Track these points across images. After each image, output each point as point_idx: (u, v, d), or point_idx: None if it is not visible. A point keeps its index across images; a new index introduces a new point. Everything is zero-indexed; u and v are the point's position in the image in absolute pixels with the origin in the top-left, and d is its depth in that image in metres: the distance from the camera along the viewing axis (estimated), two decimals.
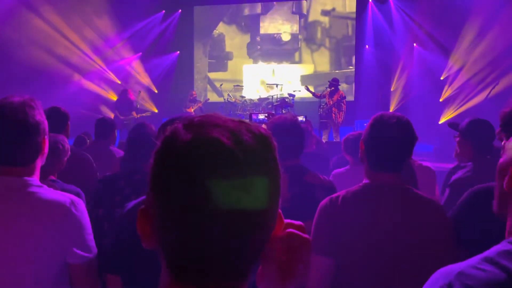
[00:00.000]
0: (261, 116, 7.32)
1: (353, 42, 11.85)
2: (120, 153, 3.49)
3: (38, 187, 1.39)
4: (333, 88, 8.78)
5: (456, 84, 9.86)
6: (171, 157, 0.55)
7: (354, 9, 11.82)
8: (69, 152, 2.34)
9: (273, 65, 12.33)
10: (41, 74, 8.87)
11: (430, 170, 2.98)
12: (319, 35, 12.18)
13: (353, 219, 1.54)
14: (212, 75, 12.74)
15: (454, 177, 2.44)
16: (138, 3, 10.92)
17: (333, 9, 12.03)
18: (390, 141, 1.54)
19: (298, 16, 12.25)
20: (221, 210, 0.52)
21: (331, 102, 8.74)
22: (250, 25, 12.53)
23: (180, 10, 12.22)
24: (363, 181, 1.61)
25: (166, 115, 10.29)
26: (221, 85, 11.69)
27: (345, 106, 8.80)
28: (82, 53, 10.31)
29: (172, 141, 0.56)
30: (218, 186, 0.51)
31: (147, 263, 1.31)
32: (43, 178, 1.47)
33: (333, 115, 8.71)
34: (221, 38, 12.75)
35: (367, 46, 11.27)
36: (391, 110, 9.86)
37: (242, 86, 11.77)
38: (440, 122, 9.89)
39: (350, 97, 11.14)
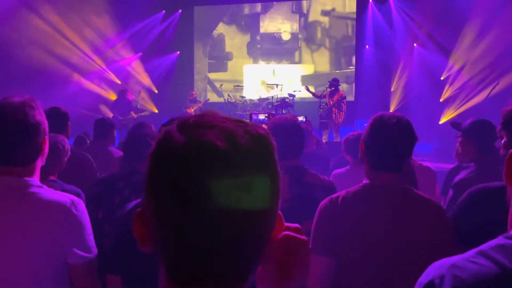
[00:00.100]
0: (261, 116, 7.32)
1: (353, 42, 11.85)
2: (119, 153, 3.49)
3: (38, 187, 1.39)
4: (333, 88, 8.78)
5: (456, 84, 9.86)
6: (165, 160, 0.54)
7: (354, 9, 11.82)
8: (69, 152, 2.34)
9: (274, 65, 12.33)
10: (41, 74, 8.87)
11: (430, 170, 2.98)
12: (319, 35, 12.18)
13: (353, 219, 1.54)
14: (212, 75, 12.74)
15: (457, 177, 2.43)
16: (138, 3, 10.93)
17: (333, 9, 12.04)
18: (390, 141, 1.54)
19: (298, 15, 12.25)
20: (218, 211, 0.51)
21: (331, 102, 8.74)
22: (250, 24, 12.53)
23: (180, 10, 12.23)
24: (363, 181, 1.61)
25: (166, 115, 10.30)
26: (221, 85, 11.70)
27: (345, 106, 8.80)
28: (82, 53, 10.31)
29: (166, 143, 0.55)
30: (214, 188, 0.51)
31: (147, 263, 1.31)
32: (43, 178, 1.47)
33: (333, 115, 8.71)
34: (221, 38, 12.75)
35: (367, 46, 11.28)
36: (391, 110, 9.86)
37: (242, 86, 11.78)
38: (440, 122, 9.89)
39: (350, 97, 11.14)
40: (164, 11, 11.97)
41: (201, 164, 0.52)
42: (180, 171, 0.52)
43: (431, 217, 1.52)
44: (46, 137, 1.43)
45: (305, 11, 12.20)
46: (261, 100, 10.91)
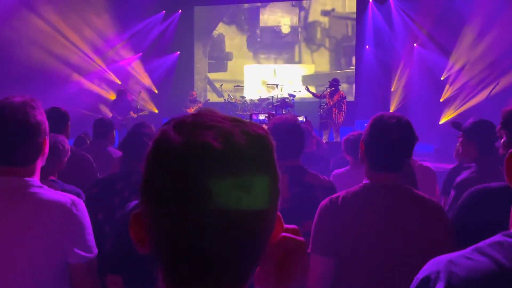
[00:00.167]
0: (261, 117, 7.33)
1: (353, 42, 11.85)
2: (118, 153, 3.49)
3: (38, 187, 1.39)
4: (333, 88, 8.78)
5: (457, 84, 9.86)
6: (161, 160, 0.54)
7: (353, 10, 11.83)
8: (69, 153, 2.34)
9: (275, 65, 12.33)
10: (41, 74, 8.87)
11: (431, 170, 2.98)
12: (319, 35, 12.18)
13: (353, 219, 1.54)
14: (212, 76, 12.75)
15: (459, 177, 2.43)
16: (138, 3, 10.93)
17: (333, 10, 12.04)
18: (390, 141, 1.54)
19: (297, 9, 12.24)
20: (215, 212, 0.51)
21: (332, 103, 8.74)
22: (250, 18, 12.51)
23: (180, 11, 12.23)
24: (363, 182, 1.61)
25: (166, 115, 10.31)
26: (221, 85, 11.71)
27: (345, 106, 8.80)
28: (82, 53, 10.32)
29: (162, 144, 0.54)
30: (211, 189, 0.50)
31: (148, 263, 1.31)
32: (43, 179, 1.47)
33: (334, 115, 8.71)
34: (221, 38, 12.75)
35: (367, 46, 11.28)
36: (391, 111, 9.86)
37: (242, 86, 11.78)
38: (440, 122, 9.90)
39: (350, 97, 11.15)
40: (164, 11, 11.98)
41: (197, 165, 0.51)
42: (176, 172, 0.52)
43: (431, 217, 1.52)
44: (46, 137, 1.43)
45: (304, 4, 12.20)
46: (261, 100, 10.92)
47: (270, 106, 9.46)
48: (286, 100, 8.98)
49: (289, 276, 0.59)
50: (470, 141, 2.48)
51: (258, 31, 12.45)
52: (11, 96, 1.39)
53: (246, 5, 12.56)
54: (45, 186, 1.41)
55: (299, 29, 12.21)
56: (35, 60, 8.91)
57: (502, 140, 1.66)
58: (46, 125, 1.42)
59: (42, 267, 1.35)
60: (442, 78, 10.27)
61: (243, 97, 11.01)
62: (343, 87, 10.39)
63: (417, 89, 10.30)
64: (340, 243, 1.54)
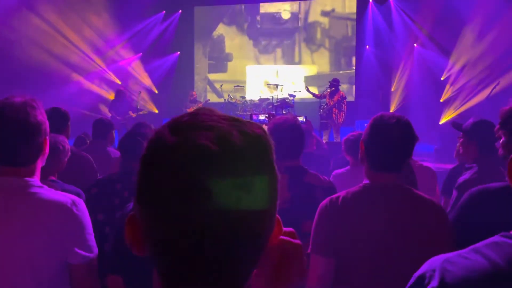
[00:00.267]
0: (262, 117, 7.33)
1: (353, 43, 11.86)
2: (117, 153, 3.49)
3: (39, 187, 1.39)
4: (333, 88, 8.78)
5: (457, 84, 9.86)
6: (155, 162, 0.53)
7: (353, 10, 11.83)
8: (69, 153, 2.34)
9: (276, 66, 12.32)
10: (41, 74, 8.87)
11: (431, 170, 2.99)
12: (319, 35, 12.18)
13: (353, 219, 1.54)
14: (212, 76, 12.75)
15: (461, 178, 2.42)
16: (139, 4, 10.93)
17: (333, 10, 12.04)
18: (390, 142, 1.54)
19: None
20: (212, 213, 0.50)
21: (332, 103, 8.74)
22: (250, 5, 12.46)
23: (180, 11, 12.23)
24: (363, 182, 1.61)
25: (166, 115, 10.31)
26: (221, 85, 11.71)
27: (345, 107, 8.80)
28: (83, 53, 10.32)
29: (156, 144, 0.54)
30: (207, 190, 0.49)
31: (149, 263, 1.31)
32: (43, 179, 1.47)
33: (334, 115, 8.71)
34: (221, 39, 12.75)
35: (367, 46, 11.28)
36: (391, 111, 9.86)
37: (243, 86, 11.79)
38: (440, 123, 9.89)
39: (351, 98, 11.15)
40: (164, 11, 11.98)
41: (192, 166, 0.50)
42: (170, 173, 0.51)
43: (431, 217, 1.52)
44: (47, 137, 1.43)
45: (305, 6, 12.18)
46: (261, 100, 10.93)
47: (270, 106, 9.46)
48: (286, 100, 8.99)
49: (286, 279, 0.59)
50: (471, 141, 2.48)
51: (258, 18, 12.39)
52: (11, 96, 1.39)
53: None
54: (45, 186, 1.41)
55: (299, 16, 12.13)
56: (35, 60, 8.91)
57: (501, 141, 1.66)
58: (46, 125, 1.42)
59: (42, 267, 1.35)
60: (442, 78, 10.27)
61: (243, 97, 11.02)
62: (343, 87, 10.39)
63: (417, 89, 10.30)
64: (340, 243, 1.54)
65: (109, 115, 8.81)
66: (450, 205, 2.36)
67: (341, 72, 11.68)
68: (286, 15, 12.18)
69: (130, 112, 9.13)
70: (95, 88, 10.83)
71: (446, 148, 7.27)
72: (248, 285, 0.57)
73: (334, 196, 1.62)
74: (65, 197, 1.40)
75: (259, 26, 12.40)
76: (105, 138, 3.71)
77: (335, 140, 8.15)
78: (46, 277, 1.36)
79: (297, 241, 0.60)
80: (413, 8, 10.49)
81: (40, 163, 1.44)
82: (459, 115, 9.24)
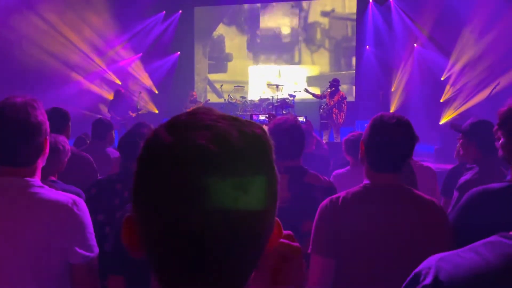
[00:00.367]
0: (262, 117, 7.33)
1: (353, 43, 11.86)
2: (116, 154, 3.49)
3: (39, 187, 1.39)
4: (333, 88, 8.78)
5: (457, 84, 9.86)
6: (151, 162, 0.52)
7: (353, 10, 11.84)
8: (70, 153, 2.34)
9: (278, 66, 12.34)
10: (41, 75, 8.88)
11: (431, 170, 2.99)
12: (318, 36, 12.19)
13: (353, 220, 1.54)
14: (212, 76, 12.76)
15: (462, 179, 2.42)
16: (139, 4, 10.94)
17: (333, 10, 12.04)
18: (390, 142, 1.54)
19: (297, 10, 12.25)
20: (209, 213, 0.49)
21: (332, 103, 8.74)
22: (250, 20, 12.52)
23: (180, 11, 12.24)
24: (364, 182, 1.61)
25: (166, 115, 10.30)
26: (221, 86, 11.72)
27: (345, 107, 8.80)
28: (83, 54, 10.33)
29: (153, 144, 0.53)
30: (205, 191, 0.49)
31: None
32: (43, 179, 1.47)
33: (334, 115, 8.71)
34: (221, 39, 12.77)
35: (367, 46, 11.28)
36: (391, 111, 9.85)
37: (243, 87, 11.79)
38: (440, 123, 9.89)
39: (351, 98, 11.15)
40: (164, 11, 11.98)
41: (189, 167, 0.49)
42: (167, 174, 0.50)
43: (431, 218, 1.52)
44: (47, 137, 1.43)
45: (305, 6, 12.21)
46: (261, 100, 10.94)
47: (271, 107, 9.46)
48: (287, 101, 8.99)
49: (284, 282, 0.58)
50: (470, 142, 2.48)
51: (258, 33, 12.46)
52: (12, 97, 1.39)
53: (246, 6, 12.57)
54: (46, 186, 1.42)
55: (299, 31, 12.21)
56: (35, 60, 8.92)
57: (500, 142, 1.66)
58: (47, 125, 1.42)
59: (43, 267, 1.35)
60: (442, 79, 10.27)
61: (244, 98, 11.03)
62: (343, 87, 10.40)
63: (417, 89, 10.30)
64: (340, 244, 1.54)
65: (109, 115, 8.82)
66: (451, 206, 2.36)
67: (341, 72, 11.69)
68: (286, 31, 12.21)
69: (130, 112, 9.13)
70: (95, 88, 10.84)
71: (446, 149, 7.27)
72: (247, 287, 0.57)
73: (334, 196, 1.62)
74: (66, 197, 1.40)
75: (258, 41, 12.44)
76: (105, 139, 3.70)
77: (335, 140, 8.15)
78: (46, 277, 1.36)
79: (296, 244, 0.60)
80: (413, 8, 10.49)
81: (41, 163, 1.44)
82: (459, 115, 9.24)
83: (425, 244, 1.48)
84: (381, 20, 11.07)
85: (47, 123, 1.43)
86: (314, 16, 12.17)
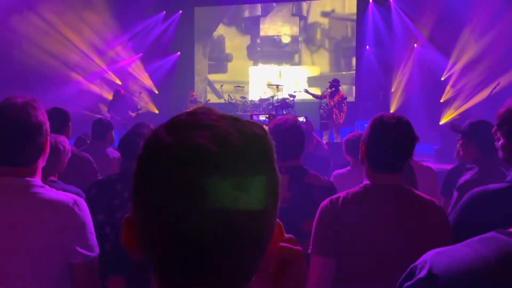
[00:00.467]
0: (262, 117, 7.33)
1: (353, 43, 11.87)
2: (116, 154, 3.50)
3: (40, 187, 1.39)
4: (333, 89, 8.78)
5: (457, 84, 9.86)
6: (151, 162, 0.52)
7: (353, 11, 11.84)
8: (70, 153, 2.34)
9: (279, 66, 12.35)
10: (42, 75, 8.88)
11: (431, 170, 2.99)
12: (318, 36, 12.19)
13: (354, 220, 1.54)
14: (212, 77, 12.76)
15: (462, 179, 2.42)
16: (139, 4, 10.94)
17: (333, 11, 12.05)
18: (390, 142, 1.54)
19: (298, 18, 12.27)
20: (209, 214, 0.49)
21: (332, 103, 8.74)
22: (250, 27, 12.56)
23: (180, 11, 12.24)
24: (364, 182, 1.61)
25: (166, 116, 10.30)
26: (221, 86, 11.73)
27: (346, 107, 8.80)
28: (83, 54, 10.34)
29: (153, 144, 0.53)
30: (204, 191, 0.48)
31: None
32: (43, 179, 1.48)
33: (334, 115, 8.71)
34: (220, 39, 12.77)
35: (367, 46, 11.28)
36: (391, 111, 9.85)
37: (243, 87, 11.80)
38: (441, 123, 9.89)
39: (351, 98, 11.15)
40: (164, 11, 11.98)
41: (189, 167, 0.49)
42: (166, 174, 0.49)
43: (431, 218, 1.52)
44: (47, 137, 1.44)
45: (305, 14, 12.22)
46: (261, 100, 10.95)
47: (271, 107, 9.46)
48: (287, 101, 8.99)
49: (285, 286, 0.58)
50: (470, 142, 2.48)
51: (258, 41, 12.47)
52: (12, 97, 1.39)
53: (246, 14, 12.57)
54: (47, 186, 1.42)
55: (300, 39, 12.22)
56: (35, 60, 8.92)
57: (500, 143, 1.66)
58: (47, 125, 1.43)
59: (44, 266, 1.35)
60: (442, 79, 10.27)
61: (244, 98, 11.03)
62: (343, 88, 10.40)
63: (418, 89, 10.30)
64: (341, 244, 1.54)
65: (108, 115, 8.82)
66: (451, 206, 2.36)
67: (341, 72, 11.69)
68: (286, 39, 12.22)
69: (130, 112, 9.13)
70: (95, 88, 10.85)
71: (446, 149, 7.27)
72: None
73: (334, 196, 1.62)
74: (66, 197, 1.40)
75: (259, 49, 12.45)
76: (105, 139, 3.70)
77: (335, 141, 8.15)
78: (47, 277, 1.36)
79: (298, 248, 0.59)
80: (413, 8, 10.49)
81: (41, 163, 1.44)
82: (459, 115, 9.25)
83: (425, 244, 1.47)
84: (381, 20, 11.07)
85: (48, 123, 1.43)
86: (314, 16, 12.17)
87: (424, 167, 2.97)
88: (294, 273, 0.58)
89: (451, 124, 2.71)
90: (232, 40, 12.71)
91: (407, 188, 1.58)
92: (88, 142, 4.19)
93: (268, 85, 11.69)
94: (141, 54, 11.71)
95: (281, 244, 0.58)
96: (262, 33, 12.46)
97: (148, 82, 11.92)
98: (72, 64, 10.14)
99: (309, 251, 1.58)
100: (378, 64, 11.03)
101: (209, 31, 12.77)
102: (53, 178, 2.22)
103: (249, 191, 0.50)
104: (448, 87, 10.11)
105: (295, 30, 12.25)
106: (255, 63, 12.52)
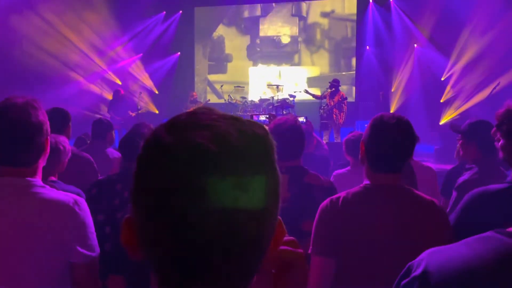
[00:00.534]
0: (262, 118, 7.33)
1: (352, 44, 11.87)
2: (116, 154, 3.50)
3: (41, 187, 1.39)
4: (333, 89, 8.78)
5: (457, 84, 9.86)
6: (150, 162, 0.52)
7: (353, 11, 11.85)
8: (70, 153, 2.35)
9: (279, 67, 12.35)
10: (42, 75, 8.89)
11: (431, 170, 2.99)
12: (318, 37, 12.20)
13: (354, 220, 1.54)
14: (212, 77, 12.76)
15: (461, 179, 2.42)
16: (139, 4, 10.94)
17: (333, 11, 12.05)
18: (390, 142, 1.54)
19: (297, 19, 12.27)
20: (208, 214, 0.48)
21: (332, 103, 8.74)
22: (250, 28, 12.56)
23: (180, 11, 12.24)
24: (364, 182, 1.61)
25: (166, 116, 10.31)
26: (221, 86, 11.73)
27: (346, 107, 8.80)
28: (83, 54, 10.34)
29: (152, 144, 0.52)
30: (203, 191, 0.48)
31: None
32: (43, 179, 1.48)
33: (334, 116, 8.71)
34: (220, 40, 12.78)
35: (367, 47, 11.29)
36: (391, 111, 9.85)
37: (243, 87, 11.81)
38: (441, 123, 9.89)
39: (351, 99, 11.15)
40: (164, 12, 11.98)
41: (188, 167, 0.49)
42: (165, 174, 0.49)
43: (432, 218, 1.52)
44: (48, 137, 1.44)
45: (304, 14, 12.22)
46: (261, 101, 10.95)
47: (271, 107, 9.46)
48: (287, 101, 8.99)
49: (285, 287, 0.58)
50: (470, 142, 2.48)
51: (257, 41, 12.47)
52: (13, 97, 1.39)
53: (246, 14, 12.58)
54: (47, 186, 1.42)
55: (299, 39, 12.22)
56: (35, 60, 8.92)
57: (500, 143, 1.66)
58: (47, 125, 1.43)
59: (45, 266, 1.35)
60: (442, 79, 10.27)
61: (244, 98, 11.04)
62: (343, 88, 10.41)
63: (418, 89, 10.30)
64: (341, 244, 1.54)
65: (108, 115, 8.83)
66: (450, 206, 2.36)
67: (342, 73, 11.69)
68: (285, 40, 12.22)
69: (130, 112, 9.14)
70: (95, 88, 10.85)
71: (446, 149, 7.27)
72: None
73: (334, 196, 1.62)
74: (67, 197, 1.40)
75: (258, 49, 12.45)
76: (105, 139, 3.70)
77: (335, 141, 8.15)
78: (48, 277, 1.37)
79: (300, 250, 0.59)
80: (413, 9, 10.49)
81: (42, 163, 1.45)
82: (460, 115, 9.25)
83: (425, 244, 1.48)
84: (381, 20, 11.07)
85: (48, 123, 1.43)
86: (314, 17, 12.17)
87: (424, 167, 2.98)
88: (295, 276, 0.58)
89: (451, 124, 2.71)
90: (232, 40, 12.71)
91: (407, 188, 1.58)
92: (88, 142, 4.19)
93: (268, 85, 11.70)
94: (141, 54, 11.71)
95: (283, 247, 0.58)
96: (261, 34, 12.46)
97: (148, 82, 11.92)
98: (72, 64, 10.14)
99: (309, 251, 1.59)
100: (378, 64, 11.02)
101: (209, 31, 12.77)
102: (53, 178, 2.22)
103: (249, 191, 0.50)
104: (448, 87, 10.11)
105: (295, 30, 12.25)
106: (255, 64, 12.53)
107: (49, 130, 1.44)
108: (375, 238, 1.51)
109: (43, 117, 1.40)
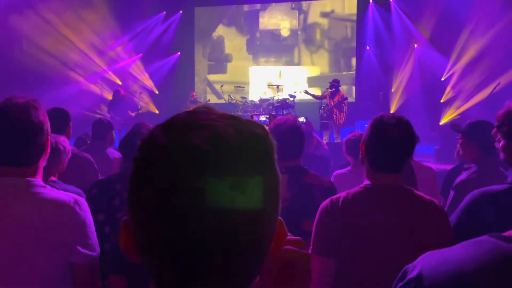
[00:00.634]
0: (262, 118, 7.32)
1: (352, 44, 11.88)
2: (116, 154, 3.50)
3: (41, 187, 1.40)
4: (334, 89, 8.78)
5: (457, 85, 9.86)
6: (146, 162, 0.51)
7: (353, 11, 11.85)
8: (70, 153, 2.35)
9: (280, 66, 12.35)
10: (42, 75, 8.89)
11: (432, 170, 2.99)
12: (318, 36, 12.20)
13: (354, 220, 1.54)
14: (212, 77, 12.76)
15: (459, 178, 2.43)
16: (139, 4, 10.95)
17: (332, 11, 12.05)
18: (390, 142, 1.54)
19: (297, 12, 12.27)
20: (205, 214, 0.48)
21: (332, 103, 8.74)
22: (249, 21, 12.55)
23: (181, 12, 12.24)
24: (364, 182, 1.61)
25: (166, 116, 10.28)
26: (221, 86, 11.73)
27: (346, 107, 8.80)
28: (83, 54, 10.34)
29: (148, 145, 0.52)
30: (199, 191, 0.47)
31: None
32: (44, 179, 1.48)
33: (334, 116, 8.71)
34: (220, 40, 12.78)
35: (367, 47, 11.29)
36: (391, 111, 9.84)
37: (243, 87, 11.81)
38: (441, 123, 9.90)
39: (351, 98, 11.16)
40: (164, 12, 11.99)
41: (184, 167, 0.48)
42: (161, 175, 0.49)
43: (432, 218, 1.52)
44: (48, 137, 1.44)
45: (304, 7, 12.23)
46: (261, 101, 10.96)
47: (271, 107, 9.46)
48: (287, 101, 8.99)
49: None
50: (470, 142, 2.48)
51: (257, 34, 12.48)
52: (13, 97, 1.40)
53: (246, 8, 12.59)
54: (48, 186, 1.42)
55: (299, 32, 12.22)
56: (35, 60, 8.93)
57: (500, 144, 1.66)
58: (48, 125, 1.43)
59: (45, 266, 1.36)
60: (442, 79, 10.28)
61: (244, 98, 11.04)
62: (343, 88, 10.41)
63: (418, 89, 10.31)
64: (341, 244, 1.54)
65: (108, 115, 8.83)
66: (447, 205, 2.37)
67: (342, 73, 11.69)
68: (285, 33, 12.23)
69: (130, 112, 9.14)
70: (95, 88, 10.86)
71: (446, 149, 7.27)
72: None
73: (334, 197, 1.62)
74: (67, 196, 1.40)
75: (258, 43, 12.45)
76: (105, 139, 3.70)
77: (335, 141, 8.15)
78: (49, 276, 1.37)
79: (304, 251, 0.58)
80: (413, 9, 10.49)
81: (42, 163, 1.45)
82: (460, 115, 9.25)
83: (425, 245, 1.48)
84: (381, 20, 11.08)
85: (48, 123, 1.44)
86: (313, 17, 12.17)
87: (425, 167, 2.98)
88: (298, 277, 0.57)
89: (451, 124, 2.72)
90: (232, 40, 12.71)
91: (407, 188, 1.58)
92: (88, 142, 4.19)
93: (268, 85, 11.70)
94: (141, 54, 11.72)
95: (287, 246, 0.57)
96: (261, 27, 12.45)
97: (148, 82, 11.92)
98: (72, 64, 10.14)
99: (309, 251, 1.59)
100: (378, 64, 11.03)
101: (209, 31, 12.78)
102: (53, 178, 2.22)
103: (247, 191, 0.49)
104: (448, 87, 10.11)
105: (295, 23, 12.24)
106: (255, 58, 12.50)
107: (49, 130, 1.44)
108: (375, 238, 1.51)
109: (44, 117, 1.41)
